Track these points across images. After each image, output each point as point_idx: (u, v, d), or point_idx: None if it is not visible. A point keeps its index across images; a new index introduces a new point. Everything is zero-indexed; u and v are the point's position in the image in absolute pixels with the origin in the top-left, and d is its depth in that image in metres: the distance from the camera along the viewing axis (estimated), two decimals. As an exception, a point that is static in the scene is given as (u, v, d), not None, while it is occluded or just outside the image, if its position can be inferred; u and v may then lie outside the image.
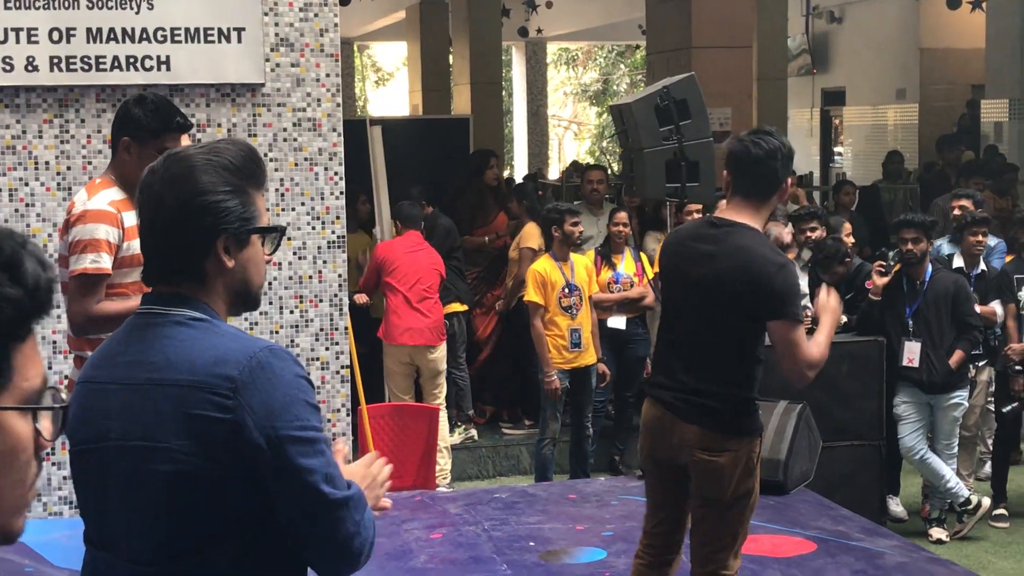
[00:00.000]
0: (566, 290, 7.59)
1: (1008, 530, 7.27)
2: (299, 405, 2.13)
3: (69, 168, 5.71)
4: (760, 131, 4.22)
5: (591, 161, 24.09)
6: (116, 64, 5.70)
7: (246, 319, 5.77)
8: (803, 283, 7.92)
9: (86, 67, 5.67)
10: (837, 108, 21.82)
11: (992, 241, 8.02)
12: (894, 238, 7.44)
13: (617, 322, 8.17)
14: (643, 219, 9.36)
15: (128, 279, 3.99)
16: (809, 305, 7.70)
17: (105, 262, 3.95)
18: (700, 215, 8.40)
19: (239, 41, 5.86)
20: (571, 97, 36.55)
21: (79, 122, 5.72)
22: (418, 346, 7.97)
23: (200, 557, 2.13)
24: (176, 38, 5.76)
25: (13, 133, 5.65)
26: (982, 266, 7.65)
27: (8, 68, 5.57)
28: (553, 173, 23.51)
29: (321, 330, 6.06)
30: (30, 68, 5.60)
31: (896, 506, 7.48)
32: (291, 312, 6.02)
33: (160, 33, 5.74)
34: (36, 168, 5.68)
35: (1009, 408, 7.24)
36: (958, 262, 7.61)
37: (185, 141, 4.49)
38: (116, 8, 5.68)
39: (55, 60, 5.63)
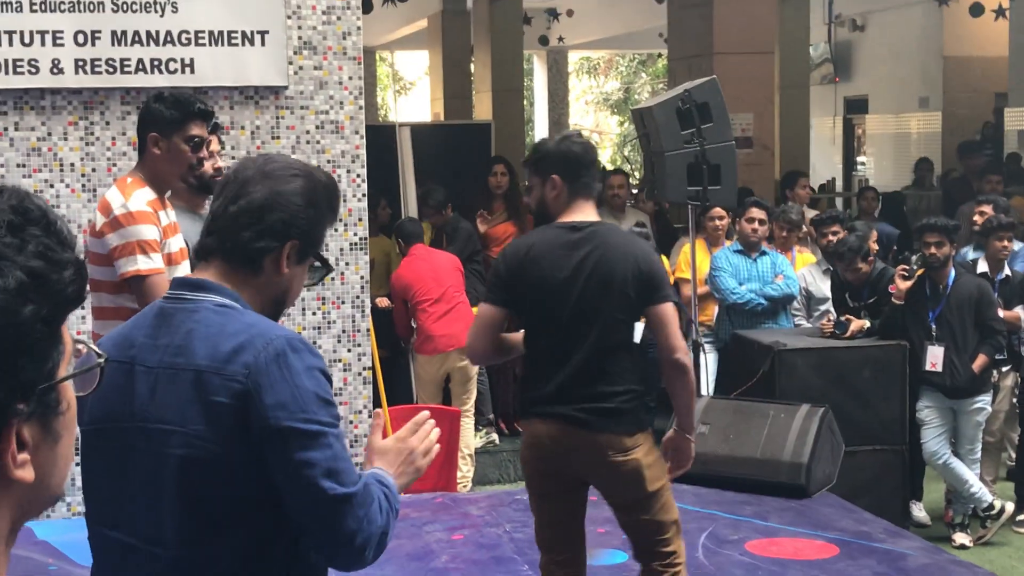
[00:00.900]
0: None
1: (1032, 536, 7.23)
2: (308, 397, 2.13)
3: (94, 170, 5.75)
4: (576, 133, 4.31)
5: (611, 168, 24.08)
6: (140, 67, 5.73)
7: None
8: (825, 287, 7.91)
9: (111, 69, 5.71)
10: (860, 116, 21.75)
11: (1017, 246, 7.99)
12: (917, 243, 7.41)
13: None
14: (662, 223, 9.36)
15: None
16: (831, 310, 7.69)
17: (157, 261, 3.98)
18: (724, 220, 8.41)
19: (262, 44, 5.89)
20: (592, 106, 36.57)
21: (104, 124, 5.76)
22: (450, 351, 7.94)
23: (214, 541, 2.15)
24: (200, 41, 5.80)
25: (39, 135, 5.69)
26: (1007, 271, 7.61)
27: (34, 70, 5.61)
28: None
29: (343, 332, 6.08)
30: (55, 70, 5.65)
31: (919, 511, 7.44)
32: (313, 314, 6.04)
33: (184, 36, 5.78)
34: (61, 170, 5.72)
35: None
36: (982, 267, 7.58)
37: (214, 145, 4.53)
38: (141, 11, 5.72)
39: (80, 62, 5.67)
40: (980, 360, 6.93)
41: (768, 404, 6.35)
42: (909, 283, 7.07)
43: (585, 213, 4.07)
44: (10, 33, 5.57)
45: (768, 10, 11.28)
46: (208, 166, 4.41)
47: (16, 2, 5.56)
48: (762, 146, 10.89)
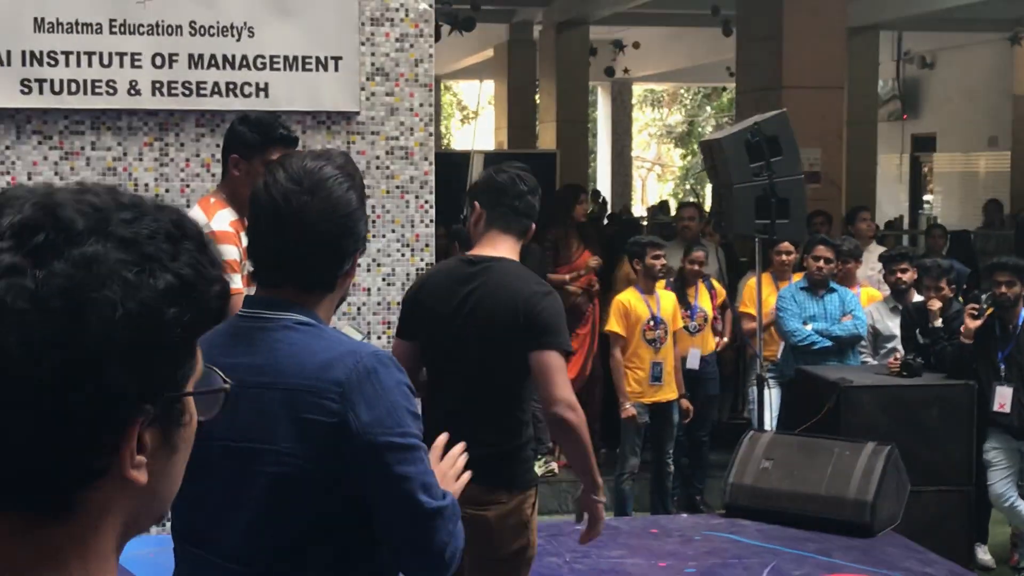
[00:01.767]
0: (651, 323, 7.58)
1: (1100, 583, 7.10)
2: (401, 412, 2.16)
3: (167, 191, 5.82)
4: (516, 165, 4.07)
5: (672, 201, 24.02)
6: (216, 90, 5.80)
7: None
8: (892, 324, 7.83)
9: (187, 92, 5.78)
10: (927, 154, 21.58)
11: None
12: (987, 282, 7.33)
13: (692, 360, 8.12)
14: (729, 255, 9.32)
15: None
16: (899, 348, 7.61)
17: (237, 282, 4.02)
18: (792, 255, 8.36)
19: (336, 70, 5.95)
20: (655, 138, 36.55)
21: (179, 146, 5.83)
22: None
23: (297, 559, 2.16)
24: (275, 66, 5.86)
25: (115, 155, 5.78)
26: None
27: (112, 91, 5.70)
28: (636, 212, 23.46)
29: (408, 357, 6.10)
30: (132, 92, 5.73)
31: (984, 554, 7.33)
32: (378, 338, 6.06)
33: (259, 60, 5.85)
34: (136, 190, 5.80)
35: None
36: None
37: None
38: (218, 35, 5.79)
39: (157, 85, 5.75)
40: (1049, 402, 6.83)
41: (833, 441, 6.29)
42: (978, 322, 6.99)
43: (495, 246, 3.85)
44: (90, 54, 5.66)
45: (837, 45, 11.23)
46: None
47: (96, 24, 5.66)
48: (829, 181, 10.83)
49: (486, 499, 3.68)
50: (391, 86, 6.07)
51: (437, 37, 13.77)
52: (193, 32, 5.77)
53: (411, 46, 6.10)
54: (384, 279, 6.06)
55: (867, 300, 8.25)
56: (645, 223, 15.36)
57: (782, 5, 10.77)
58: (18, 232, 1.03)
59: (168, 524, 2.32)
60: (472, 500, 3.59)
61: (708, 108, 33.29)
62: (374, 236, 6.03)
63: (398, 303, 6.05)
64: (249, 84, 5.84)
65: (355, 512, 2.15)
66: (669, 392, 7.72)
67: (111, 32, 5.68)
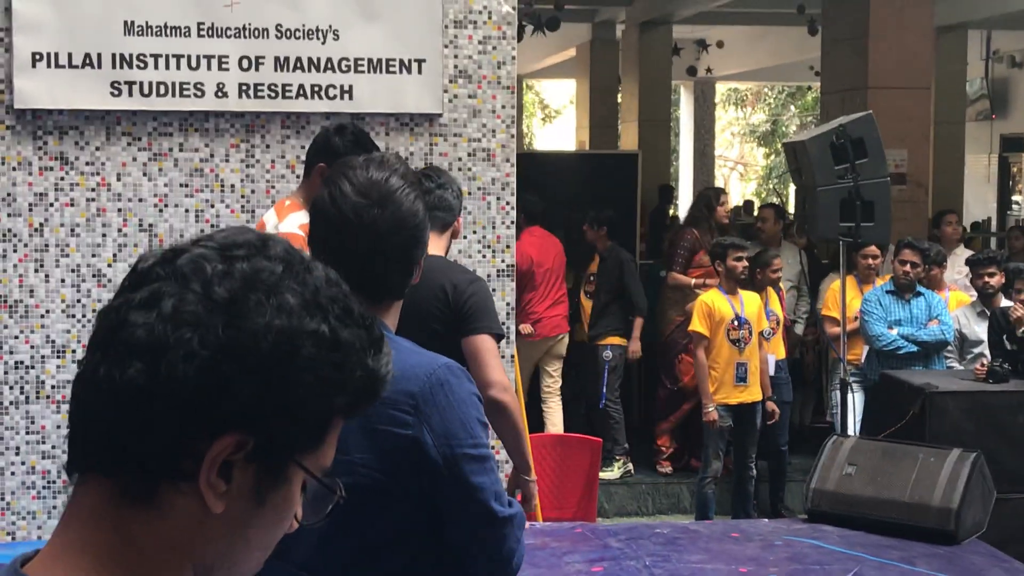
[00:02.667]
0: (735, 323, 7.53)
1: None
2: (473, 423, 2.18)
3: (253, 192, 5.90)
4: (435, 167, 4.20)
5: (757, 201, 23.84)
6: (301, 92, 5.87)
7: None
8: (979, 329, 7.71)
9: (272, 94, 5.85)
10: (1016, 155, 21.19)
11: None
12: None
13: (768, 366, 8.05)
14: (812, 258, 9.22)
15: None
16: (985, 353, 7.49)
17: None
18: (878, 259, 8.26)
19: (419, 72, 5.99)
20: (738, 137, 36.28)
21: (264, 147, 5.91)
22: (552, 336, 8.28)
23: (368, 567, 2.18)
24: (359, 68, 5.91)
25: (202, 156, 5.86)
26: None
27: (200, 94, 5.79)
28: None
29: (489, 358, 6.12)
30: (220, 94, 5.81)
31: (1073, 564, 7.19)
32: (460, 339, 6.09)
33: (344, 63, 5.90)
34: (222, 190, 5.88)
35: None
36: None
37: None
38: (303, 38, 5.86)
39: (244, 87, 5.83)
40: None
41: (918, 447, 6.21)
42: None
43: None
44: (178, 57, 5.76)
45: (924, 45, 11.07)
46: None
47: (184, 27, 5.75)
48: (916, 183, 10.68)
49: None
50: (473, 88, 6.09)
51: (520, 37, 13.79)
52: (279, 35, 5.84)
53: (494, 48, 6.12)
54: (465, 280, 6.08)
55: (955, 304, 8.13)
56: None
57: (869, 4, 10.63)
58: (226, 241, 1.13)
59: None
60: None
61: (792, 107, 32.97)
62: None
63: (479, 304, 6.08)
64: (334, 86, 5.90)
65: (426, 520, 2.18)
66: (755, 393, 7.67)
67: (199, 35, 5.77)
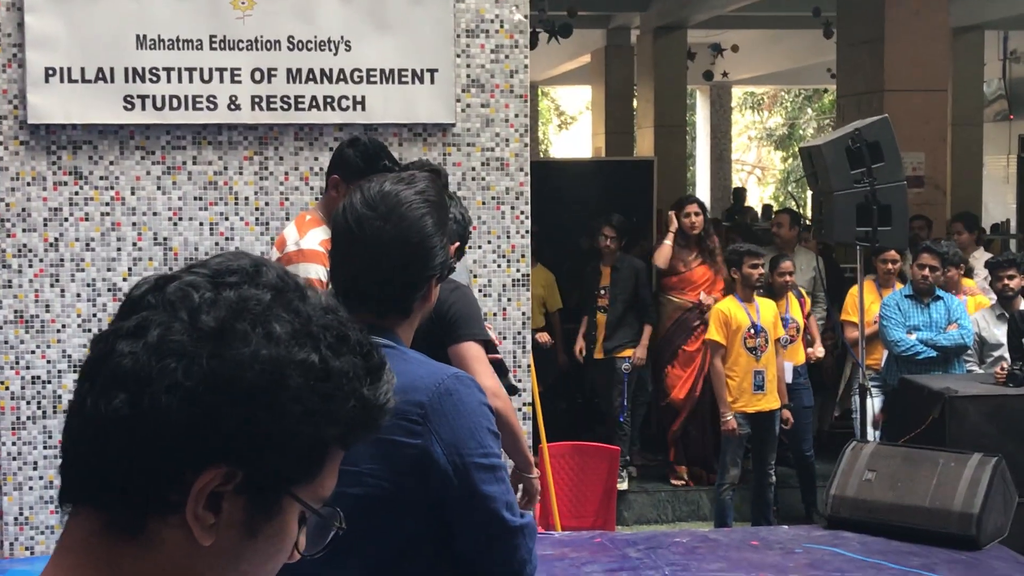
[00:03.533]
0: (751, 331, 7.49)
1: None
2: (483, 432, 2.17)
3: (267, 204, 5.90)
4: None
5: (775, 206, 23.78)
6: (314, 103, 5.87)
7: (432, 354, 5.85)
8: (999, 332, 7.66)
9: (285, 106, 5.85)
10: (1035, 155, 21.08)
11: None
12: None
13: (786, 373, 8.00)
14: (829, 263, 9.17)
15: None
16: (1006, 356, 7.43)
17: None
18: (898, 263, 8.21)
19: (431, 82, 5.98)
20: (755, 141, 36.20)
21: (278, 159, 5.91)
22: None
23: None
24: (372, 79, 5.91)
25: (215, 169, 5.87)
26: None
27: (212, 106, 5.79)
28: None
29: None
30: (232, 107, 5.81)
31: (1097, 568, 7.13)
32: (476, 349, 6.07)
33: (356, 74, 5.90)
34: (236, 203, 5.88)
35: None
36: None
37: None
38: (315, 50, 5.86)
39: (256, 99, 5.83)
40: None
41: (938, 452, 6.16)
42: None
43: None
44: (191, 70, 5.76)
45: (941, 46, 11.02)
46: None
47: (197, 40, 5.76)
48: (933, 185, 10.63)
49: None
50: (486, 97, 6.08)
51: (534, 44, 13.80)
52: (291, 47, 5.84)
53: (506, 57, 6.11)
54: (480, 290, 6.07)
55: (975, 308, 8.07)
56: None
57: (884, 6, 10.60)
58: (219, 268, 1.12)
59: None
60: None
61: (809, 110, 32.89)
62: (470, 247, 6.04)
63: (494, 314, 6.06)
64: (346, 97, 5.90)
65: (437, 531, 2.16)
66: (772, 401, 7.63)
67: (211, 48, 5.77)
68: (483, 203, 6.07)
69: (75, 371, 5.71)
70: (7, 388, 5.71)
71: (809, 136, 30.87)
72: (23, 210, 5.72)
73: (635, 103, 20.50)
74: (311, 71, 5.85)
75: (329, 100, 5.88)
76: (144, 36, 5.71)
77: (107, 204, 5.78)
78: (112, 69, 5.69)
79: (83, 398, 1.08)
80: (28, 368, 5.68)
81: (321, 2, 5.84)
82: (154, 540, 1.06)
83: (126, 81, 5.70)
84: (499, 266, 6.11)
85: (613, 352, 8.72)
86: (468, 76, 6.06)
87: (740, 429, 7.54)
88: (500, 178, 6.11)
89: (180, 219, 5.82)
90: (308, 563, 2.13)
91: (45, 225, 5.74)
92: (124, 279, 5.75)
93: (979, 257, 9.42)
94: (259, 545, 1.12)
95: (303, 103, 5.86)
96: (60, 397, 5.70)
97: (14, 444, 5.75)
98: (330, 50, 5.86)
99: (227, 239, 5.87)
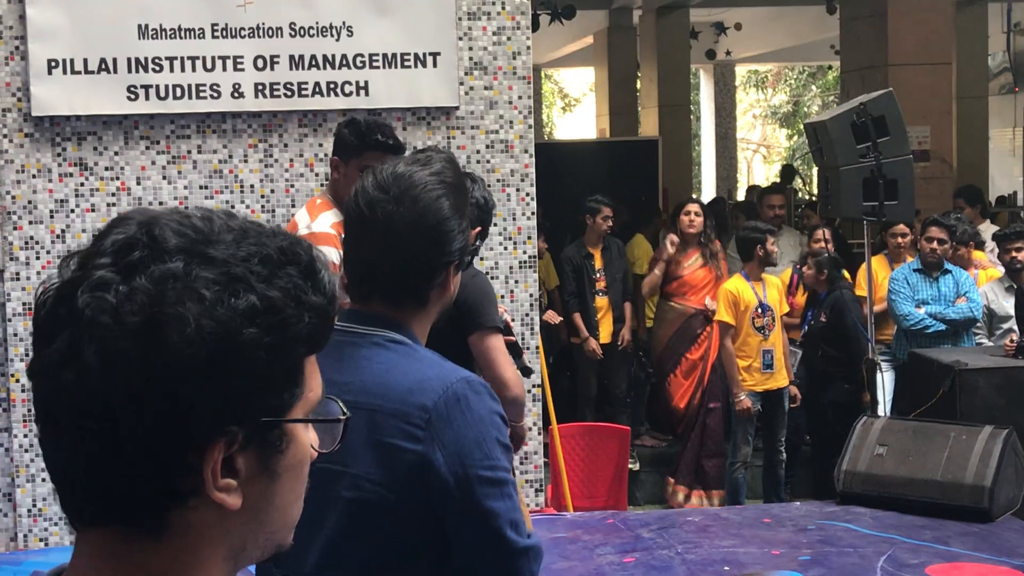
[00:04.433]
0: (759, 310, 7.49)
1: None
2: (491, 443, 2.01)
3: (273, 191, 5.90)
4: (470, 174, 4.06)
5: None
6: (317, 90, 5.86)
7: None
8: (1008, 304, 7.64)
9: (289, 93, 5.85)
10: (1041, 127, 21.02)
11: None
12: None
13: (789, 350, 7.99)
14: (836, 240, 9.14)
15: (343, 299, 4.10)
16: (1015, 328, 7.42)
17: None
18: (908, 237, 8.18)
19: (434, 66, 5.97)
20: (760, 120, 36.12)
21: (282, 146, 5.90)
22: None
23: None
24: (375, 64, 5.91)
25: (220, 157, 5.86)
26: None
27: (216, 95, 5.79)
28: (740, 196, 23.22)
29: (514, 350, 6.10)
30: (236, 95, 5.81)
31: (1110, 539, 7.13)
32: (484, 332, 6.08)
33: (359, 59, 5.89)
34: (242, 191, 5.88)
35: None
36: None
37: None
38: (317, 36, 5.85)
39: (260, 87, 5.83)
40: None
41: (949, 425, 6.16)
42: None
43: None
44: (193, 59, 5.76)
45: (944, 20, 10.98)
46: None
47: (199, 29, 5.75)
48: (939, 159, 10.60)
49: None
50: (489, 80, 6.07)
51: (536, 26, 13.77)
52: (293, 33, 5.83)
53: (508, 39, 6.09)
54: (488, 272, 6.07)
55: (984, 280, 8.06)
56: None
57: (886, -20, 10.57)
58: (117, 249, 1.06)
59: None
60: None
61: (813, 87, 32.79)
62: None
63: (502, 296, 6.06)
64: (349, 83, 5.89)
65: (435, 542, 2.02)
66: (780, 379, 7.63)
67: (213, 36, 5.77)
68: (488, 186, 6.06)
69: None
70: (17, 380, 5.72)
71: (814, 113, 30.79)
72: (29, 202, 5.72)
73: (638, 84, 20.45)
74: (314, 57, 5.85)
75: (332, 86, 5.88)
76: (146, 26, 5.71)
77: (113, 195, 5.79)
78: (115, 59, 5.69)
79: (56, 440, 1.05)
80: (38, 360, 5.69)
81: (322, -12, 5.84)
82: (179, 530, 1.06)
83: (129, 71, 5.70)
84: (506, 248, 6.11)
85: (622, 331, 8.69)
86: (471, 59, 6.05)
87: (753, 408, 7.54)
88: (505, 160, 6.10)
89: (186, 208, 5.82)
90: (304, 567, 2.06)
91: (52, 217, 5.74)
92: (132, 269, 5.75)
93: (986, 230, 9.39)
94: (284, 480, 1.12)
95: (306, 89, 5.86)
96: (71, 388, 5.71)
97: (26, 436, 5.76)
98: (332, 36, 5.85)
99: (233, 227, 5.86)
